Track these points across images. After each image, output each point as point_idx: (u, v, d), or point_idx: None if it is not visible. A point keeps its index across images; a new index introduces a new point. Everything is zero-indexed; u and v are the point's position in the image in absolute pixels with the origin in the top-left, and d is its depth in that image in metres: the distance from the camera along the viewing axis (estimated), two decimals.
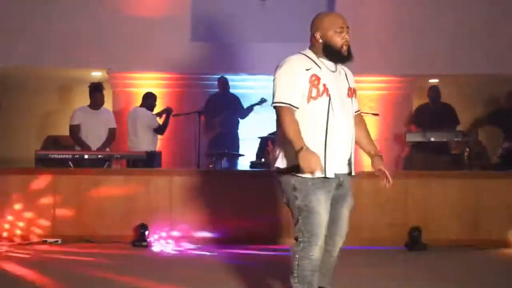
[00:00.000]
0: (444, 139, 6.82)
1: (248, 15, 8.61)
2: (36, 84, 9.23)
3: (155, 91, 7.53)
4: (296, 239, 3.07)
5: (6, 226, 5.57)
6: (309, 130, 3.02)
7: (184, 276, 4.24)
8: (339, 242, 3.26)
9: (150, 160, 6.71)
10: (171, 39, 8.23)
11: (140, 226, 5.40)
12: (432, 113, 7.31)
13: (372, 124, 7.86)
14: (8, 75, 8.79)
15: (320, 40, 3.20)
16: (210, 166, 6.63)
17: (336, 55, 3.19)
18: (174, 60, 8.20)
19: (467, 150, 6.66)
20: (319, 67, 3.13)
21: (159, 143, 7.49)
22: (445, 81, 8.35)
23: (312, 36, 3.23)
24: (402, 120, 8.28)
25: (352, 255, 5.08)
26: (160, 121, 7.28)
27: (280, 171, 3.08)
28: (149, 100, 7.26)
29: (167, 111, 7.23)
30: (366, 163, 7.74)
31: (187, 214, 5.61)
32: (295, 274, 3.05)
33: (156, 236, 5.52)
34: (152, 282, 4.04)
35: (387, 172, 3.30)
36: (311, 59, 3.15)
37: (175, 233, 5.57)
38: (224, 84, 7.72)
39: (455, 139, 6.79)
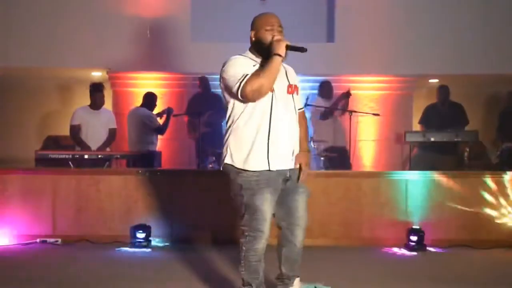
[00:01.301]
0: (444, 139, 6.81)
1: (248, 15, 8.58)
2: (36, 84, 9.24)
3: (155, 91, 7.53)
4: (242, 232, 3.29)
5: (6, 226, 5.57)
6: (254, 125, 3.23)
7: (185, 275, 4.24)
8: (299, 232, 3.37)
9: (150, 160, 6.71)
10: (171, 39, 8.24)
11: (140, 226, 5.40)
12: (440, 113, 7.27)
13: (373, 124, 7.88)
14: (8, 75, 8.80)
15: (253, 39, 3.39)
16: (210, 166, 6.62)
17: (265, 51, 3.30)
18: (174, 60, 8.21)
19: (467, 150, 6.65)
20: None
21: (159, 143, 7.49)
22: (446, 81, 8.33)
23: (250, 37, 3.43)
24: (403, 120, 8.28)
25: (352, 255, 5.10)
26: (160, 121, 7.27)
27: (228, 168, 3.29)
28: (149, 100, 7.27)
29: (167, 112, 7.22)
30: (366, 163, 7.78)
31: (187, 214, 5.61)
32: (242, 264, 3.30)
33: (156, 236, 5.52)
34: (152, 282, 4.04)
35: (303, 170, 3.41)
36: (252, 59, 3.33)
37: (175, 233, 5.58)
38: (205, 83, 7.59)
39: (455, 139, 6.78)
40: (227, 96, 3.34)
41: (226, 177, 3.36)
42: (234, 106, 3.29)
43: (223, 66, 3.34)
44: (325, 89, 7.31)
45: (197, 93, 7.69)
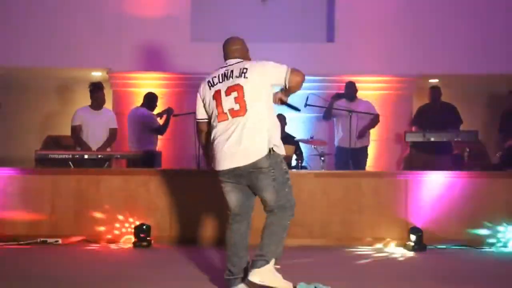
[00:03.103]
0: (444, 139, 6.80)
1: (248, 15, 8.61)
2: (36, 84, 9.24)
3: (155, 91, 7.53)
4: (290, 209, 3.64)
5: (6, 226, 5.57)
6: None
7: (185, 275, 4.24)
8: None
9: (150, 160, 6.71)
10: (171, 39, 8.24)
11: (140, 226, 5.40)
12: (433, 113, 7.25)
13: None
14: (9, 75, 8.80)
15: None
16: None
17: None
18: (174, 60, 8.21)
19: (467, 150, 6.65)
20: None
21: (159, 143, 7.50)
22: (445, 81, 8.35)
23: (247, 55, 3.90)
24: (402, 120, 8.28)
25: (352, 255, 5.10)
26: (160, 121, 7.27)
27: (275, 155, 3.57)
28: (149, 100, 7.27)
29: (168, 112, 7.22)
30: (367, 163, 7.78)
31: (187, 214, 5.61)
32: (284, 236, 3.62)
33: (156, 236, 5.52)
34: (152, 282, 4.04)
35: None
36: None
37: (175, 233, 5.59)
38: None
39: (455, 139, 6.77)
40: (264, 88, 3.60)
41: (270, 165, 3.54)
42: (269, 99, 3.66)
43: (255, 63, 3.68)
44: (346, 89, 7.35)
45: None
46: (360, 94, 7.64)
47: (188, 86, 8.34)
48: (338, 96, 7.26)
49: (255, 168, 3.53)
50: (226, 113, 3.59)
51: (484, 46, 8.27)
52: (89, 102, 6.74)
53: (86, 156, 6.15)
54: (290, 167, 6.27)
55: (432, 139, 6.80)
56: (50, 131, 8.94)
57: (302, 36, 8.46)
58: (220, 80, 3.68)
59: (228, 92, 3.60)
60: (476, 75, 8.39)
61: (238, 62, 3.74)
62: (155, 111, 7.32)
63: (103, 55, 8.23)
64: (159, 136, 7.39)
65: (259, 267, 3.48)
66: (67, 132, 6.80)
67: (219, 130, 3.61)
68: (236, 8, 8.64)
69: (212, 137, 3.68)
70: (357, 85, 7.52)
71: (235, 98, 3.57)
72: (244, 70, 3.62)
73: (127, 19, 8.25)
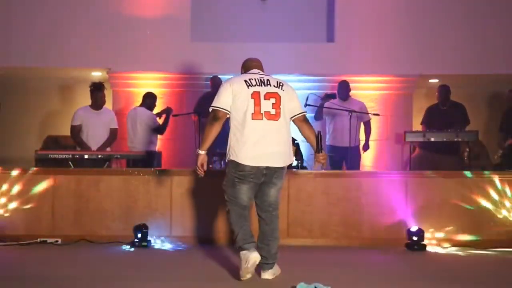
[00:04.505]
0: (444, 139, 6.79)
1: (248, 15, 8.61)
2: (36, 84, 9.25)
3: (155, 91, 7.53)
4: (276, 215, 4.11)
5: (6, 226, 5.57)
6: None
7: (185, 275, 4.24)
8: None
9: (150, 160, 6.71)
10: (171, 39, 8.24)
11: (140, 226, 5.40)
12: (441, 113, 7.22)
13: (373, 124, 7.87)
14: (9, 75, 8.80)
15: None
16: (210, 166, 6.62)
17: None
18: (174, 60, 8.22)
19: (467, 150, 6.64)
20: None
21: (159, 143, 7.50)
22: (445, 81, 8.33)
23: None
24: (402, 120, 8.28)
25: (352, 255, 5.10)
26: (160, 121, 7.28)
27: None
28: (149, 100, 7.27)
29: (167, 111, 7.23)
30: (367, 163, 7.77)
31: (187, 214, 5.62)
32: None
33: (156, 236, 5.52)
34: (152, 282, 4.04)
35: None
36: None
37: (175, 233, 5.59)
38: (217, 83, 7.60)
39: (455, 139, 6.76)
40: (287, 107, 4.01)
41: (283, 173, 4.03)
42: None
43: (288, 84, 4.09)
44: (340, 88, 7.30)
45: (208, 93, 7.61)
46: (360, 94, 7.65)
47: (188, 86, 8.34)
48: (327, 97, 7.22)
49: (280, 169, 3.98)
50: (262, 113, 3.93)
51: (484, 46, 8.26)
52: (89, 102, 6.73)
53: (86, 156, 6.15)
54: (290, 167, 6.27)
55: (432, 139, 6.79)
56: (50, 131, 8.94)
57: (302, 36, 8.46)
58: (258, 84, 3.99)
59: (267, 97, 3.95)
60: (476, 75, 8.39)
61: (269, 75, 4.10)
62: (154, 111, 7.32)
63: (103, 55, 8.23)
64: (159, 136, 7.39)
65: (272, 268, 4.05)
66: (67, 132, 6.80)
67: (253, 127, 3.91)
68: (236, 8, 8.64)
69: (237, 131, 3.94)
70: (358, 85, 7.52)
71: (272, 103, 3.95)
72: (281, 84, 4.04)
73: (127, 19, 8.25)
